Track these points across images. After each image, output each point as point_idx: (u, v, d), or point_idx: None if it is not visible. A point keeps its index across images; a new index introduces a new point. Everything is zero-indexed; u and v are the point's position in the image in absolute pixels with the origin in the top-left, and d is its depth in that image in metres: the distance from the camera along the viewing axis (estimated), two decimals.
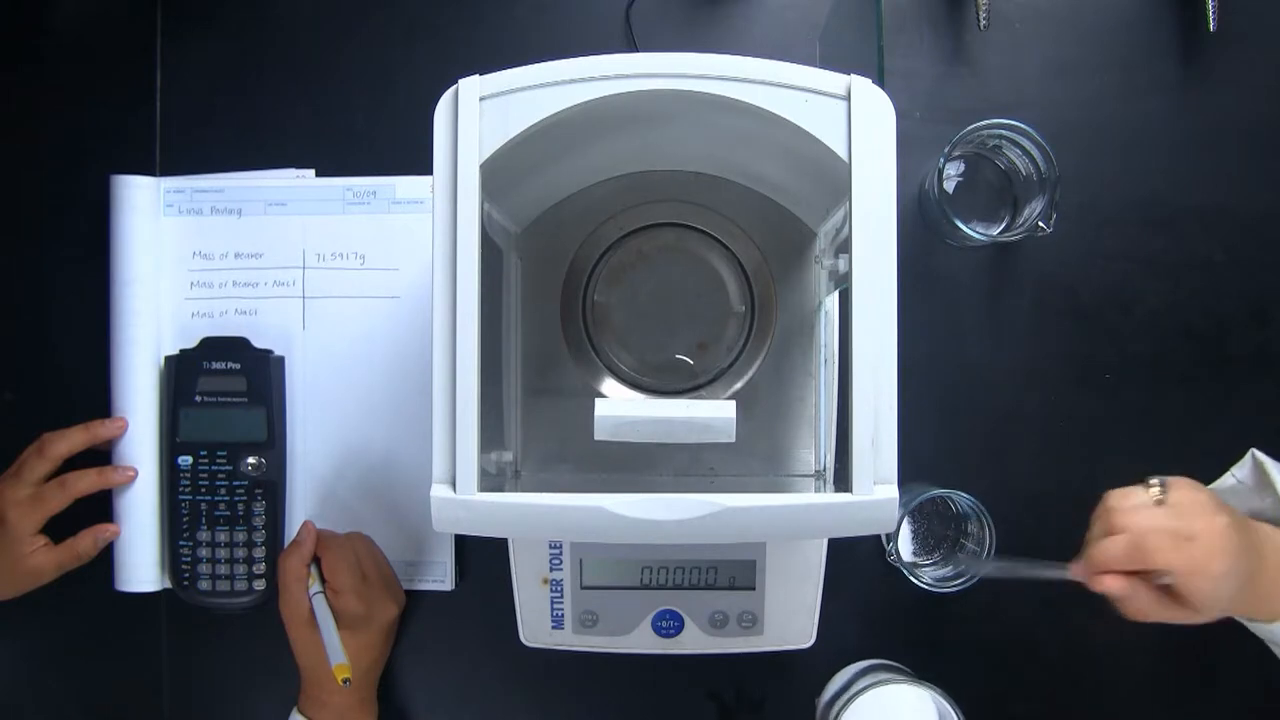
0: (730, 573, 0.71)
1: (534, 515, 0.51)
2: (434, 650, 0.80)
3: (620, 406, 0.54)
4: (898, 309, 0.51)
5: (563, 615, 0.71)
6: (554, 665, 0.76)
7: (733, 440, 0.53)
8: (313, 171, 0.80)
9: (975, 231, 0.73)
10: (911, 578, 0.73)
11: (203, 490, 0.77)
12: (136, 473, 0.76)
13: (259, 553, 0.77)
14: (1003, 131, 0.73)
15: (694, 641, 0.72)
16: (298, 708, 0.74)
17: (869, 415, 0.50)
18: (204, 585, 0.77)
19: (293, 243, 0.79)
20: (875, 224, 0.51)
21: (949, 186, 0.77)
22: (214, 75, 0.81)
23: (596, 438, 0.53)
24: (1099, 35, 0.78)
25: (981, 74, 0.78)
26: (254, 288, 0.80)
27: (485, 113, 0.51)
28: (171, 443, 0.77)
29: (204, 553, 0.77)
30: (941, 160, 0.72)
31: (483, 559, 0.79)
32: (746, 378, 0.69)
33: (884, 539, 0.75)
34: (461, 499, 0.51)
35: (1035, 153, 0.73)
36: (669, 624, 0.72)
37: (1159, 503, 0.58)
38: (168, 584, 0.78)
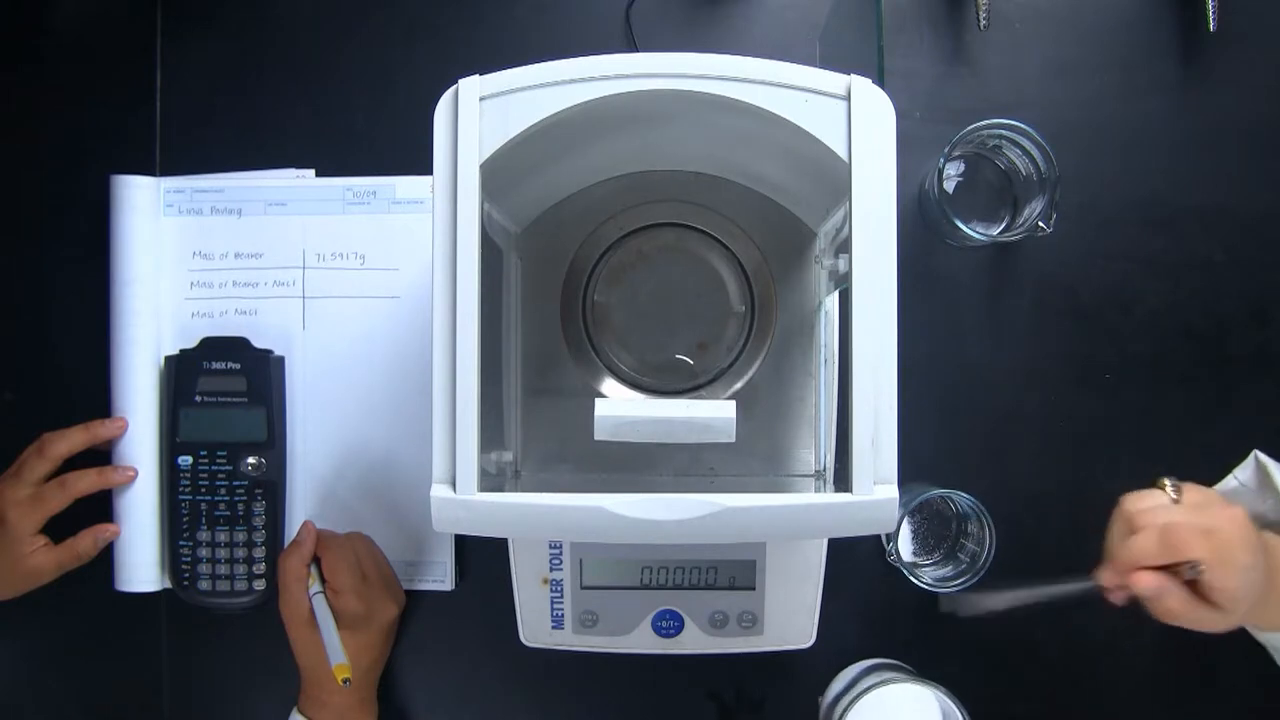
0: (730, 573, 0.71)
1: (534, 515, 0.51)
2: (434, 650, 0.80)
3: (620, 406, 0.54)
4: (898, 309, 0.51)
5: (563, 615, 0.71)
6: (554, 665, 0.76)
7: (733, 440, 0.53)
8: (313, 171, 0.80)
9: (975, 231, 0.73)
10: (911, 578, 0.73)
11: (203, 490, 0.77)
12: (136, 473, 0.76)
13: (259, 553, 0.77)
14: (1003, 131, 0.73)
15: (694, 641, 0.72)
16: (298, 708, 0.74)
17: (869, 415, 0.50)
18: (204, 585, 0.77)
19: (293, 243, 0.79)
20: (875, 224, 0.51)
21: (949, 186, 0.77)
22: (214, 75, 0.81)
23: (596, 438, 0.53)
24: (1099, 35, 0.78)
25: (981, 74, 0.78)
26: (254, 288, 0.80)
27: (485, 113, 0.51)
28: (171, 443, 0.77)
29: (204, 553, 0.77)
30: (941, 160, 0.72)
31: (483, 559, 0.79)
32: (746, 378, 0.69)
33: (884, 539, 0.75)
34: (461, 499, 0.51)
35: (1035, 153, 0.73)
36: (669, 624, 0.72)
37: (1174, 502, 0.58)
38: (168, 584, 0.78)
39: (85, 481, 0.74)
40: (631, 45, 0.79)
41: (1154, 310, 0.78)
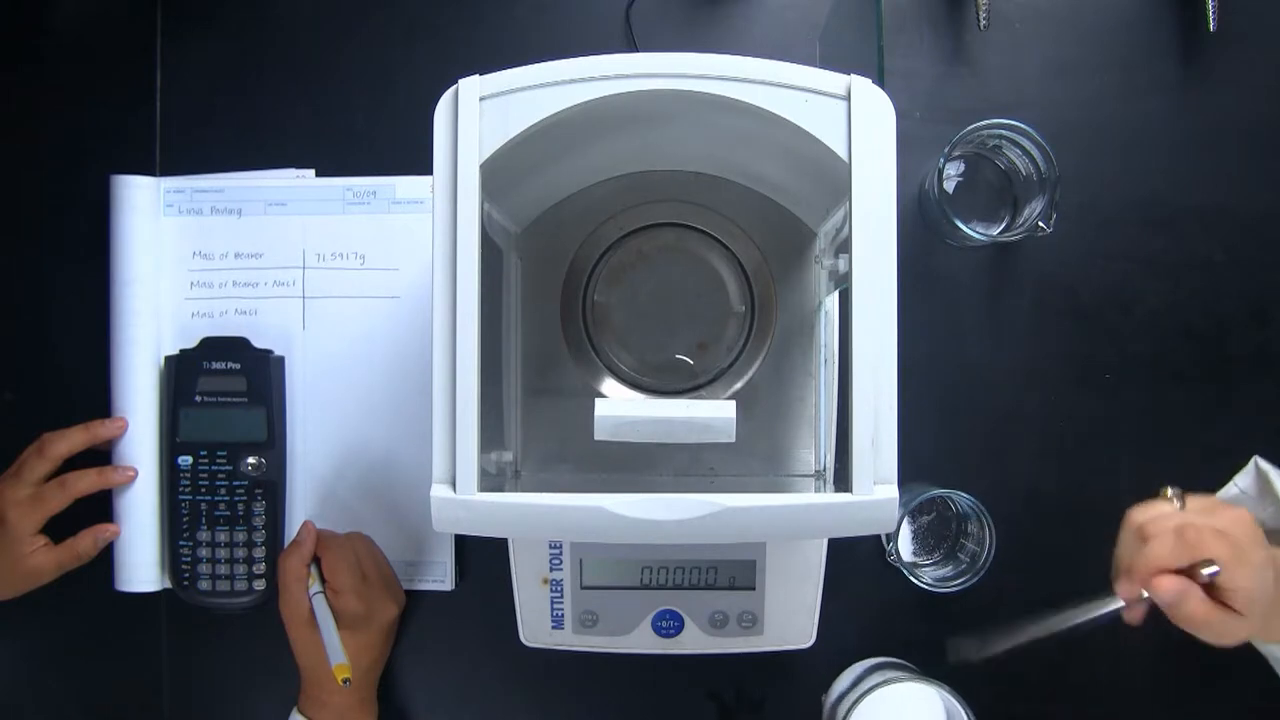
0: (730, 573, 0.71)
1: (534, 515, 0.51)
2: (434, 650, 0.80)
3: (620, 406, 0.54)
4: (898, 309, 0.51)
5: (563, 615, 0.71)
6: (554, 665, 0.76)
7: (733, 440, 0.53)
8: (313, 171, 0.80)
9: (975, 231, 0.73)
10: (911, 578, 0.73)
11: (203, 490, 0.77)
12: (136, 473, 0.76)
13: (259, 553, 0.77)
14: (1003, 131, 0.73)
15: (694, 641, 0.72)
16: (298, 708, 0.74)
17: (869, 415, 0.50)
18: (204, 585, 0.77)
19: (293, 243, 0.79)
20: (875, 224, 0.51)
21: (949, 186, 0.77)
22: (214, 75, 0.81)
23: (596, 438, 0.53)
24: (1099, 35, 0.78)
25: (981, 74, 0.78)
26: (254, 288, 0.80)
27: (485, 113, 0.51)
28: (171, 443, 0.77)
29: (204, 553, 0.77)
30: (941, 160, 0.72)
31: (483, 559, 0.79)
32: (746, 378, 0.69)
33: (884, 539, 0.75)
34: (461, 499, 0.51)
35: (1035, 153, 0.73)
36: (669, 624, 0.72)
37: (1180, 509, 0.59)
38: (168, 584, 0.78)
39: (85, 481, 0.74)
40: (631, 45, 0.79)
41: (1154, 310, 0.78)
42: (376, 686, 0.76)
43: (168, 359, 0.77)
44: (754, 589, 0.71)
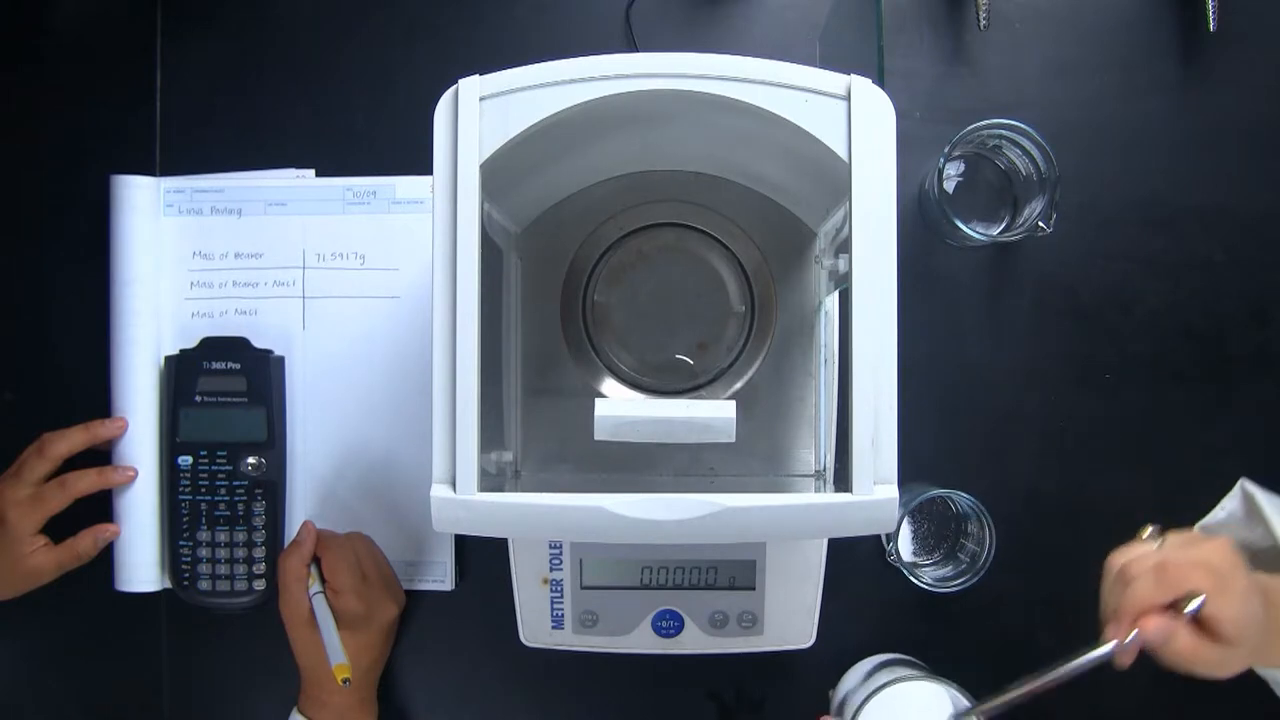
0: (730, 573, 0.71)
1: (534, 515, 0.51)
2: (434, 650, 0.80)
3: (620, 406, 0.54)
4: (898, 309, 0.51)
5: (563, 615, 0.71)
6: (554, 665, 0.76)
7: (733, 440, 0.53)
8: (313, 171, 0.80)
9: (975, 231, 0.73)
10: (911, 578, 0.73)
11: (203, 490, 0.77)
12: (136, 473, 0.76)
13: (259, 553, 0.77)
14: (1003, 131, 0.73)
15: (694, 641, 0.72)
16: (298, 708, 0.74)
17: (869, 415, 0.50)
18: (204, 585, 0.77)
19: (293, 243, 0.79)
20: (875, 224, 0.51)
21: (949, 186, 0.77)
22: (214, 75, 0.81)
23: (596, 438, 0.53)
24: (1099, 35, 0.78)
25: (981, 74, 0.78)
26: (254, 288, 0.80)
27: (485, 113, 0.51)
28: (171, 443, 0.77)
29: (204, 553, 0.77)
30: (941, 160, 0.72)
31: (483, 559, 0.79)
32: (746, 378, 0.69)
33: (884, 539, 0.75)
34: (461, 499, 0.51)
35: (1035, 153, 0.73)
36: (669, 624, 0.72)
37: (1160, 546, 0.58)
38: (168, 584, 0.78)
39: (85, 481, 0.74)
40: (631, 45, 0.79)
41: (1154, 310, 0.78)
42: (376, 686, 0.76)
43: (168, 359, 0.77)
44: (754, 589, 0.71)
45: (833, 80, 0.51)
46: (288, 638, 0.73)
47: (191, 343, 0.78)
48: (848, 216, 0.51)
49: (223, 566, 0.77)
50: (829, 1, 0.78)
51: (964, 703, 0.66)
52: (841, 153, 0.51)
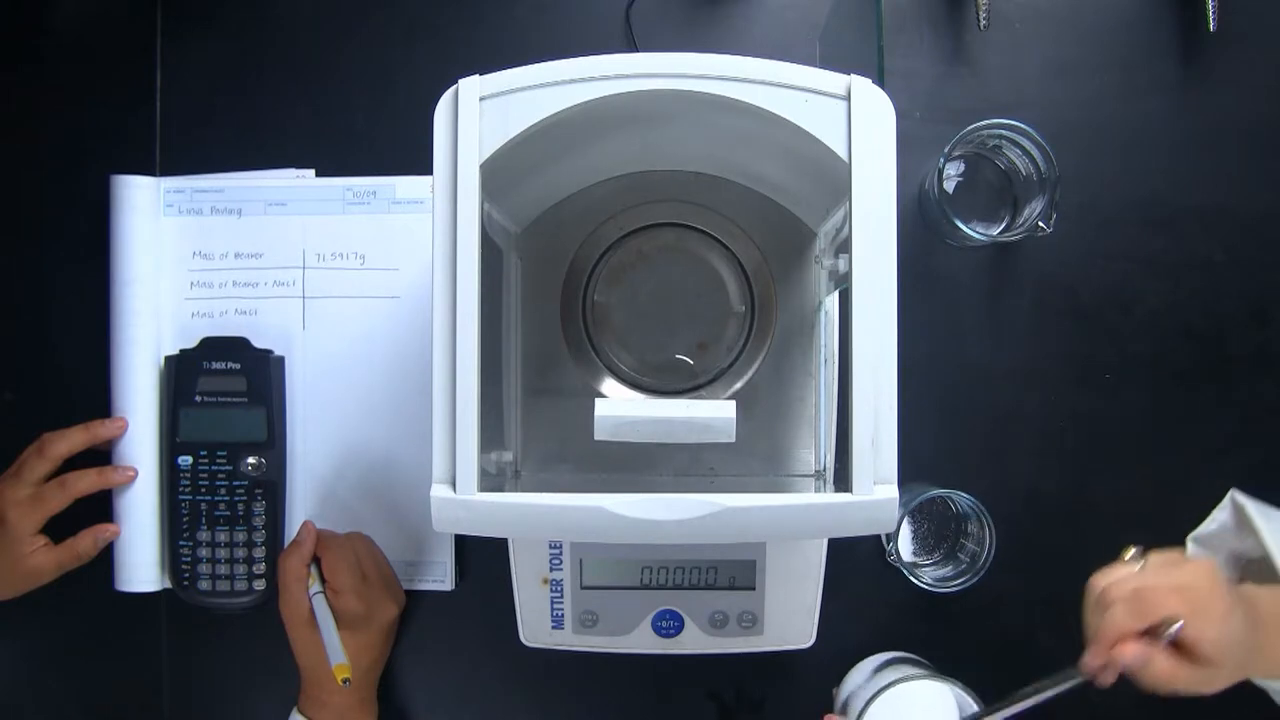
0: (730, 573, 0.71)
1: (534, 515, 0.51)
2: (434, 650, 0.80)
3: (620, 406, 0.54)
4: (898, 309, 0.51)
5: (563, 615, 0.71)
6: (554, 665, 0.76)
7: (733, 440, 0.53)
8: (313, 171, 0.80)
9: (975, 231, 0.73)
10: (911, 578, 0.73)
11: (203, 490, 0.77)
12: (136, 473, 0.76)
13: (259, 553, 0.77)
14: (1003, 131, 0.73)
15: (694, 641, 0.72)
16: (298, 708, 0.74)
17: (869, 415, 0.50)
18: (204, 585, 0.77)
19: (293, 243, 0.79)
20: (875, 224, 0.51)
21: (949, 186, 0.77)
22: (214, 75, 0.81)
23: (596, 438, 0.53)
24: (1099, 35, 0.78)
25: (981, 74, 0.78)
26: (254, 288, 0.80)
27: (485, 113, 0.51)
28: (171, 443, 0.77)
29: (204, 553, 0.77)
30: (941, 160, 0.72)
31: (483, 559, 0.79)
32: (746, 378, 0.69)
33: (884, 539, 0.75)
34: (461, 499, 0.51)
35: (1035, 153, 0.73)
36: (669, 624, 0.72)
37: (1142, 569, 0.58)
38: (168, 584, 0.78)
39: (85, 481, 0.74)
40: (631, 45, 0.79)
41: (1154, 310, 0.78)
42: (376, 686, 0.76)
43: (168, 359, 0.77)
44: (754, 589, 0.71)
45: (833, 80, 0.51)
46: (288, 638, 0.73)
47: (191, 343, 0.78)
48: (848, 216, 0.51)
49: (223, 566, 0.77)
50: (829, 1, 0.78)
51: (970, 705, 0.66)
52: (841, 153, 0.51)
